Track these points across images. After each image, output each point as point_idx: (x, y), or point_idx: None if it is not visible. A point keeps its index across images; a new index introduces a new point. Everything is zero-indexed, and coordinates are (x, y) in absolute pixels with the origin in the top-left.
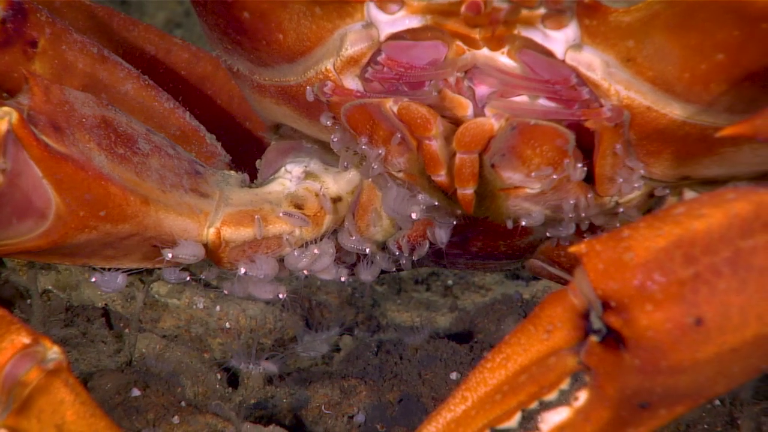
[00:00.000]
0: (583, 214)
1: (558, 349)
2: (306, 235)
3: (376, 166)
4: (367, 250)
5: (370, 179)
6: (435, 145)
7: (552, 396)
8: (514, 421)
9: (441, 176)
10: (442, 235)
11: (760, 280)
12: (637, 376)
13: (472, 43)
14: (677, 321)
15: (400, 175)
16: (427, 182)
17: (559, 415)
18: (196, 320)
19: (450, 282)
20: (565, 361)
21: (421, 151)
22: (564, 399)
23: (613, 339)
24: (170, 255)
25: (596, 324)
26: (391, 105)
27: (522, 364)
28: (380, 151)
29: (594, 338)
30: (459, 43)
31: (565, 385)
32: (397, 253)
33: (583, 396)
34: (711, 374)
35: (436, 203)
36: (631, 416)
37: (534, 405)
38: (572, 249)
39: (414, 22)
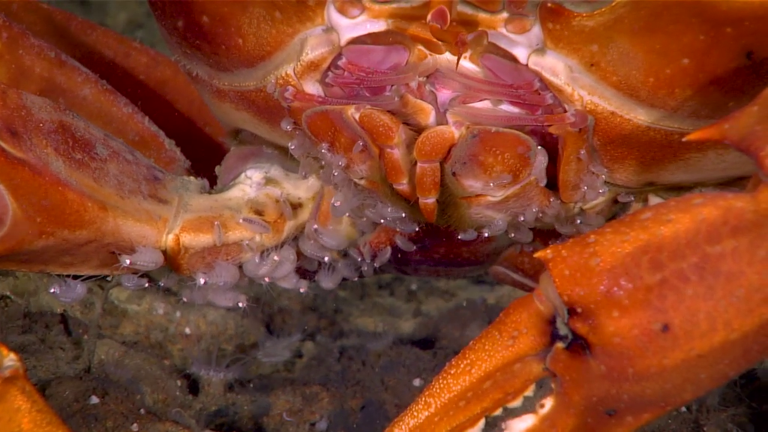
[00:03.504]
0: (547, 221)
1: (523, 356)
2: (266, 242)
3: (337, 173)
4: (327, 258)
5: (331, 186)
6: (397, 153)
7: (516, 403)
8: (477, 428)
9: (403, 185)
10: (404, 242)
11: (728, 287)
12: (603, 383)
13: (434, 48)
14: (644, 327)
15: (362, 182)
16: (389, 190)
17: (525, 422)
18: (156, 326)
19: (414, 287)
20: (531, 368)
21: (383, 160)
22: (529, 406)
23: (579, 345)
24: (128, 261)
25: (562, 330)
26: (352, 112)
27: (486, 371)
28: (341, 161)
29: (560, 345)
30: (421, 47)
31: (529, 392)
32: (358, 260)
33: (548, 403)
34: (678, 381)
35: (399, 211)
36: (598, 423)
37: (498, 412)
38: (538, 254)
39: (375, 26)
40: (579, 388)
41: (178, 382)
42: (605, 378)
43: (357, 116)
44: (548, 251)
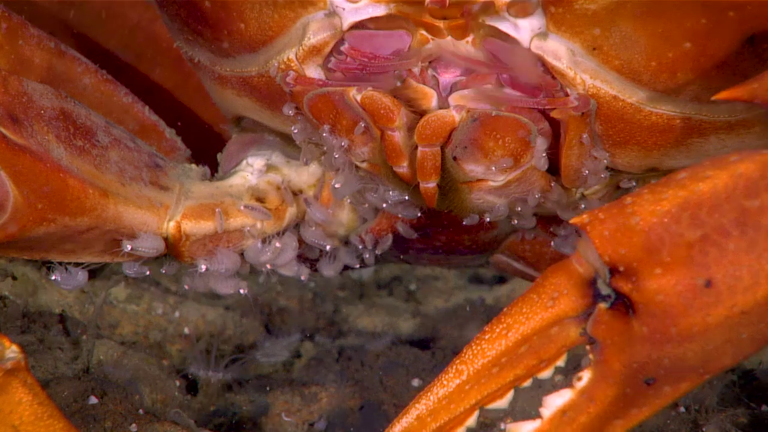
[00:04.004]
0: (549, 206)
1: (563, 317)
2: (267, 229)
3: (338, 156)
4: (328, 246)
5: (332, 171)
6: (397, 136)
7: (548, 373)
8: (506, 400)
9: (403, 168)
10: (406, 229)
11: None
12: (645, 346)
13: (436, 32)
14: (687, 283)
15: (364, 165)
16: (390, 173)
17: (562, 397)
18: (155, 326)
19: (413, 287)
20: (568, 332)
21: (384, 142)
22: (566, 380)
23: (622, 304)
24: (129, 247)
25: (604, 290)
26: (354, 94)
27: (524, 333)
28: (343, 143)
29: (602, 305)
30: (423, 32)
31: (562, 361)
32: (360, 248)
33: (586, 375)
34: (720, 342)
35: (402, 195)
36: (636, 394)
37: (528, 383)
38: (573, 220)
39: (377, 10)
40: (620, 353)
41: (177, 383)
42: (647, 340)
43: (359, 98)
44: (584, 216)
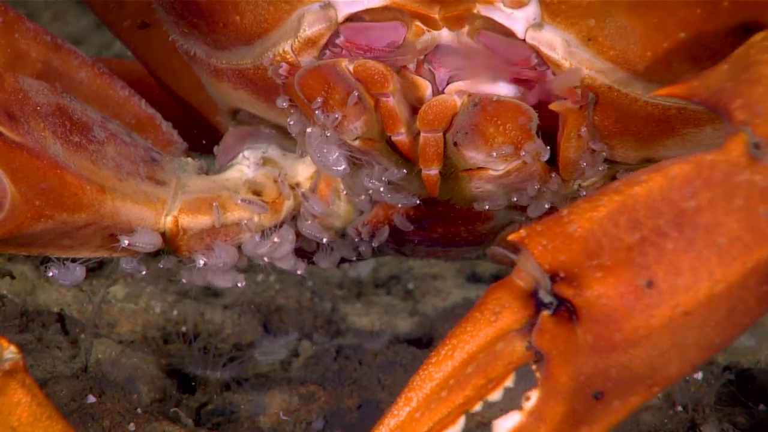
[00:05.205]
0: (548, 197)
1: (507, 331)
2: (265, 222)
3: (330, 134)
4: (324, 239)
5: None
6: (392, 101)
7: (497, 395)
8: (458, 426)
9: (401, 135)
10: (402, 221)
11: (707, 237)
12: (591, 356)
13: (431, 24)
14: (629, 284)
15: (356, 143)
16: (386, 146)
17: (511, 420)
18: (153, 325)
19: (410, 286)
20: (514, 346)
21: (379, 110)
22: (514, 402)
23: (565, 309)
24: (126, 242)
25: (546, 298)
26: (346, 64)
27: (470, 352)
28: (337, 116)
29: (545, 312)
30: (418, 23)
31: (510, 381)
32: (356, 240)
33: (534, 395)
34: (666, 347)
35: (395, 174)
36: (586, 410)
37: (478, 407)
38: (511, 237)
39: (372, 2)
40: (566, 364)
41: (175, 381)
42: (593, 349)
43: (351, 67)
44: (522, 231)
